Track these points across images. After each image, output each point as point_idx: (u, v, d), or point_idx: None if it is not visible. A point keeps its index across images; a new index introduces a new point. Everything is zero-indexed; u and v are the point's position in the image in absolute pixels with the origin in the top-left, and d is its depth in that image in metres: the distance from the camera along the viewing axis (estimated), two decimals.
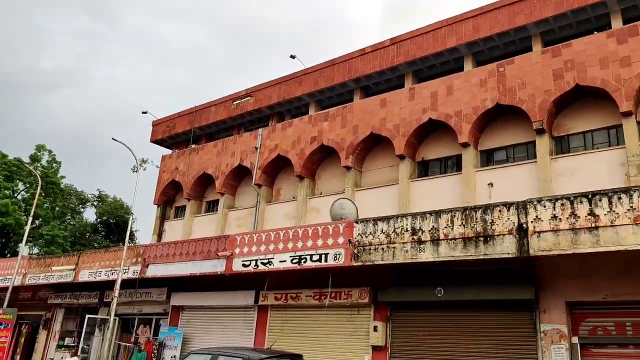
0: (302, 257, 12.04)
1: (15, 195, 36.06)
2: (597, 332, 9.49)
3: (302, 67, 22.63)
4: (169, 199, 26.63)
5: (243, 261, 13.30)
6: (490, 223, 9.47)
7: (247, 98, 24.47)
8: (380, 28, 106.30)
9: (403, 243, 10.46)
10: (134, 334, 16.83)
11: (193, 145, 26.15)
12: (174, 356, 14.68)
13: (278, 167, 22.29)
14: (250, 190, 22.72)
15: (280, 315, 13.81)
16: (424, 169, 18.47)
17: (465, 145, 16.70)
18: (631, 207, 8.16)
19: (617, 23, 15.46)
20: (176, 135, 27.61)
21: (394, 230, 10.71)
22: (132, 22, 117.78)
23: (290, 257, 12.34)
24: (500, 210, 9.47)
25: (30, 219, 22.34)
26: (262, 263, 12.89)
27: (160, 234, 25.86)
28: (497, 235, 9.33)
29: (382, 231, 10.91)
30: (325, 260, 11.56)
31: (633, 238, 8.04)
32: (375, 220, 11.14)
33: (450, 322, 10.90)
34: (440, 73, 18.69)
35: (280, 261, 12.51)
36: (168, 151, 28.18)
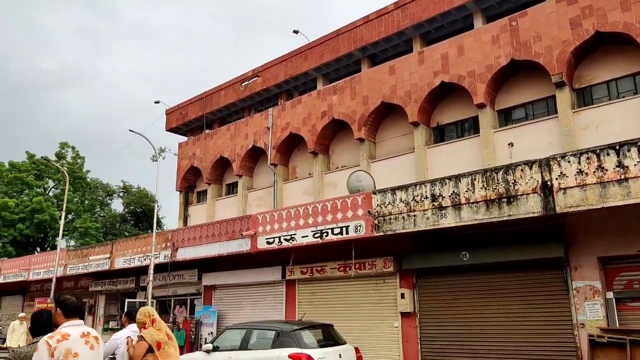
0: (324, 231, 12.26)
1: (47, 192, 37.27)
2: (632, 286, 9.41)
3: (306, 43, 22.44)
4: (190, 184, 27.09)
5: (267, 239, 13.63)
6: (513, 183, 9.46)
7: (255, 79, 24.45)
8: None
9: (423, 210, 10.56)
10: (171, 314, 17.51)
11: (207, 131, 26.39)
12: (211, 332, 15.26)
13: (291, 145, 22.40)
14: (267, 170, 22.95)
15: (307, 288, 14.18)
16: (440, 135, 18.35)
17: (481, 106, 16.49)
18: None
19: None
20: (190, 122, 27.86)
21: (413, 198, 10.81)
22: (131, 13, 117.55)
23: (312, 231, 12.59)
24: (522, 170, 9.42)
25: (63, 213, 23.21)
26: (285, 239, 13.18)
27: (185, 218, 26.44)
28: (521, 195, 9.32)
29: (401, 200, 11.02)
30: (347, 233, 11.76)
31: None
32: (394, 190, 11.23)
33: (477, 285, 11.02)
34: (449, 34, 18.25)
35: (303, 236, 12.77)
36: (184, 138, 28.52)
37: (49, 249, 33.58)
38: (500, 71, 16.15)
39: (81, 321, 4.22)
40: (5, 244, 33.02)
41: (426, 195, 10.63)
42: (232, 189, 25.26)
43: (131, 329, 6.57)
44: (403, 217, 10.89)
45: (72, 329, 3.98)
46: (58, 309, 4.18)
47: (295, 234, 12.99)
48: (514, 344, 10.22)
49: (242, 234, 14.24)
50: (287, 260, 14.14)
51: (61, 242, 23.68)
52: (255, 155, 23.71)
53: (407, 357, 11.64)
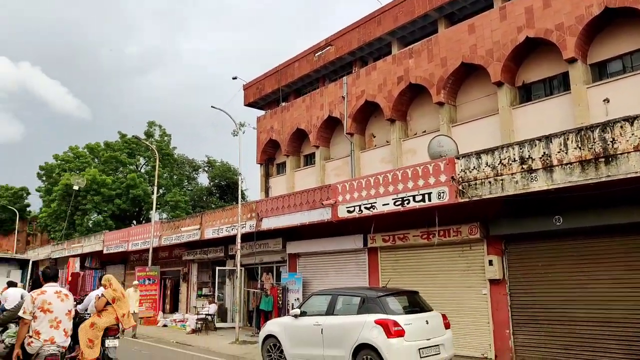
0: (405, 198, 12.13)
1: (139, 169, 40.12)
2: None
3: (379, 7, 21.82)
4: (270, 157, 27.83)
5: (347, 207, 13.75)
6: (611, 142, 8.77)
7: (328, 48, 24.30)
8: None
9: (512, 174, 10.11)
10: (259, 281, 18.39)
11: (283, 104, 26.80)
12: (297, 298, 15.86)
13: (367, 113, 22.18)
14: (344, 140, 22.97)
15: (390, 255, 14.21)
16: (526, 94, 17.30)
17: (571, 60, 15.28)
18: None
19: None
20: (266, 95, 28.41)
21: (500, 161, 10.36)
22: None
23: (393, 199, 12.48)
24: (622, 127, 8.69)
25: (155, 188, 24.87)
26: (365, 208, 13.22)
27: (266, 190, 27.34)
28: (620, 154, 8.62)
29: (487, 164, 10.61)
30: (429, 200, 11.55)
31: None
32: (478, 154, 10.83)
33: (572, 251, 10.46)
34: None
35: (384, 204, 12.70)
36: (262, 112, 29.20)
37: (144, 221, 36.28)
38: (593, 21, 14.82)
39: (56, 283, 6.55)
40: (106, 218, 36.06)
41: (514, 158, 10.14)
42: (309, 159, 25.63)
43: (99, 291, 9.39)
44: (489, 182, 10.51)
45: (49, 288, 6.31)
46: (41, 276, 6.67)
47: (375, 202, 12.98)
48: (619, 312, 9.65)
49: (322, 203, 14.47)
50: (368, 228, 14.22)
51: (155, 215, 25.45)
52: (331, 125, 23.79)
53: (498, 324, 11.40)
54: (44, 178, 41.63)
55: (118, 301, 8.83)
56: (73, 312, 6.70)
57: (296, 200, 15.64)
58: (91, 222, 36.93)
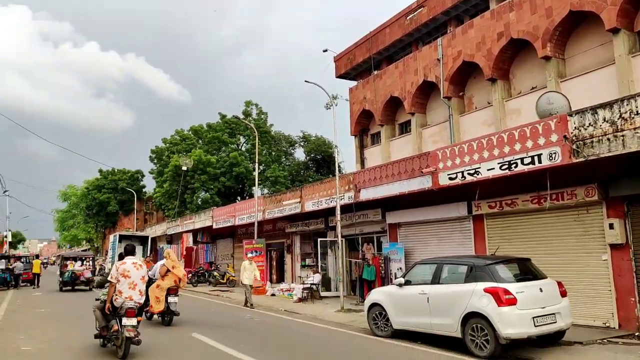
0: (512, 162, 11.48)
1: (239, 147, 42.13)
2: None
3: None
4: (364, 128, 27.71)
5: (449, 174, 13.35)
6: None
7: (420, 10, 23.32)
8: None
9: (634, 129, 9.14)
10: (360, 251, 18.65)
11: (375, 72, 26.37)
12: (400, 268, 15.87)
13: (465, 74, 21.10)
14: (441, 105, 22.15)
15: (497, 222, 13.65)
16: None
17: None
18: None
19: None
20: (357, 65, 28.11)
21: (620, 115, 9.40)
22: None
23: (499, 163, 11.87)
24: None
25: (257, 165, 26.05)
26: (468, 174, 12.74)
27: (362, 161, 27.35)
28: None
29: (604, 120, 9.69)
30: (539, 162, 10.82)
31: None
32: (594, 109, 9.90)
33: None
34: None
35: (488, 169, 12.16)
36: (353, 83, 29.01)
37: (247, 197, 38.19)
38: None
39: (133, 257, 8.91)
40: (213, 195, 38.45)
41: (637, 111, 9.14)
42: (405, 128, 25.14)
43: (162, 261, 12.74)
44: (608, 139, 9.59)
45: (128, 260, 8.71)
46: (122, 252, 9.18)
47: (479, 168, 12.45)
48: None
49: (422, 172, 14.18)
50: (472, 195, 13.72)
51: (257, 191, 26.69)
52: (427, 90, 23.03)
53: (621, 292, 10.55)
54: (155, 160, 45.26)
55: (174, 269, 12.19)
56: (146, 278, 9.02)
57: (394, 170, 15.49)
58: (200, 199, 39.63)
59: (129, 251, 9.00)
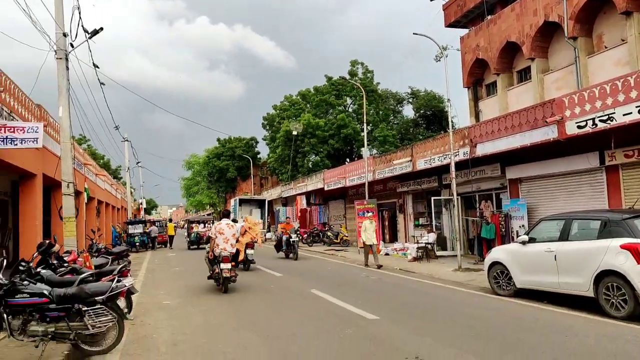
0: None
1: (346, 109, 42.22)
2: None
3: None
4: (477, 78, 26.12)
5: (577, 123, 12.18)
6: None
7: None
8: None
9: None
10: (477, 209, 17.94)
11: (489, 17, 24.47)
12: (522, 225, 15.03)
13: (594, 9, 18.73)
14: (565, 47, 20.02)
15: (635, 173, 12.27)
16: None
17: None
18: None
19: None
20: (468, 11, 26.30)
21: None
22: None
23: (638, 107, 10.62)
24: None
25: (365, 125, 25.98)
26: (601, 120, 11.52)
27: (477, 114, 25.93)
28: None
29: None
30: None
31: None
32: None
33: None
34: None
35: (624, 114, 10.93)
36: (465, 31, 27.27)
37: (356, 158, 38.36)
38: None
39: (227, 219, 11.93)
40: (323, 158, 39.21)
41: None
42: (524, 75, 23.25)
43: (242, 223, 16.78)
44: None
45: (223, 221, 11.77)
46: (221, 214, 12.97)
47: (613, 113, 11.17)
48: None
49: (546, 121, 13.08)
50: (604, 144, 12.41)
51: (366, 152, 26.65)
52: (549, 31, 20.91)
53: None
54: (267, 127, 47.11)
55: (250, 229, 16.20)
56: (237, 235, 12.49)
57: (514, 121, 14.47)
58: (310, 162, 40.68)
59: (224, 214, 12.18)
